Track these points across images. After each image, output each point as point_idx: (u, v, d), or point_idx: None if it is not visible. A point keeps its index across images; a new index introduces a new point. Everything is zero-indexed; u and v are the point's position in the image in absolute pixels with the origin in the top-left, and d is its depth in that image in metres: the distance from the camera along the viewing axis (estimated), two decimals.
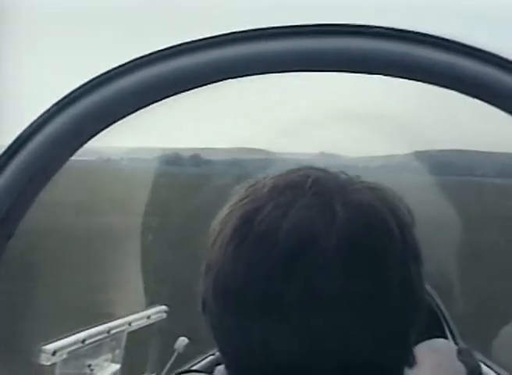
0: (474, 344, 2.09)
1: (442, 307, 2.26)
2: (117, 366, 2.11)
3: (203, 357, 2.18)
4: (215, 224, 0.67)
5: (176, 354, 2.24)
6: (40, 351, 1.77)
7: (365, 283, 0.61)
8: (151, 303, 2.55)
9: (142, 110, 0.79)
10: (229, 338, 0.66)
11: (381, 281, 0.62)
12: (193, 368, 2.04)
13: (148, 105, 0.79)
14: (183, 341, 2.20)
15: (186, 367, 2.06)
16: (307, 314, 0.61)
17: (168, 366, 2.21)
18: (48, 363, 1.76)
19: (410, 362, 0.66)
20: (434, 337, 2.05)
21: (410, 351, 0.66)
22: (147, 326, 2.40)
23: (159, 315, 2.36)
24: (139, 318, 2.25)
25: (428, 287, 2.27)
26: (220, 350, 0.68)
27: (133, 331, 2.31)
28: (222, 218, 0.67)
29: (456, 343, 2.13)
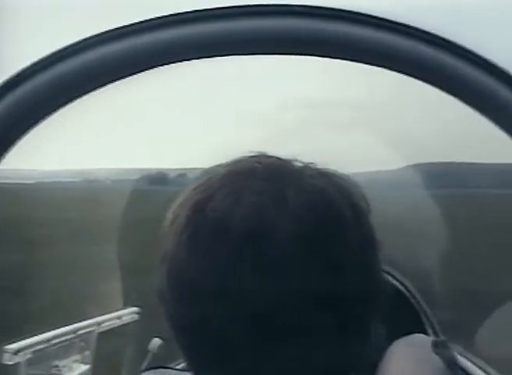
0: (457, 339, 2.07)
1: (423, 302, 2.23)
2: (86, 367, 2.05)
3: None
4: (170, 213, 0.66)
5: (150, 355, 2.19)
6: (2, 350, 1.71)
7: (320, 272, 0.60)
8: (125, 304, 2.50)
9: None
10: (184, 328, 0.64)
11: (335, 267, 0.61)
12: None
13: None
14: (156, 342, 2.15)
15: None
16: (262, 301, 0.60)
17: (142, 367, 2.16)
18: (11, 363, 1.70)
19: (370, 349, 0.67)
20: (412, 333, 2.03)
21: (370, 336, 0.66)
22: (120, 327, 2.35)
23: (131, 316, 2.31)
24: (109, 319, 2.20)
25: (409, 284, 2.26)
26: (176, 340, 0.66)
27: (105, 332, 2.26)
28: (176, 207, 0.66)
29: (439, 336, 2.10)
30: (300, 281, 0.60)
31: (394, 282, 2.25)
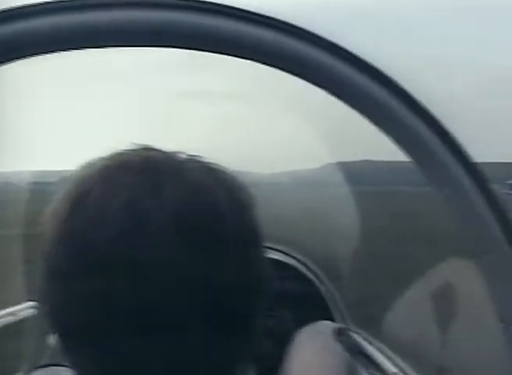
0: (366, 326, 2.08)
1: (332, 290, 2.23)
2: None
3: None
4: (50, 207, 0.65)
5: (48, 352, 2.08)
6: None
7: (195, 268, 0.59)
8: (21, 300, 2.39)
9: None
10: (61, 328, 0.64)
11: (212, 265, 0.60)
12: None
13: None
14: (54, 337, 2.03)
15: None
16: (137, 298, 0.59)
17: (42, 363, 2.05)
18: None
19: (253, 346, 0.66)
20: (320, 319, 2.02)
21: (254, 331, 0.65)
22: (16, 323, 2.24)
23: (26, 311, 2.20)
24: (2, 315, 2.09)
25: (318, 271, 2.26)
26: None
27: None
28: (56, 202, 0.64)
29: (343, 324, 2.11)
30: (175, 276, 0.59)
31: (303, 268, 2.24)
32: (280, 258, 2.24)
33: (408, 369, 1.62)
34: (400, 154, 0.72)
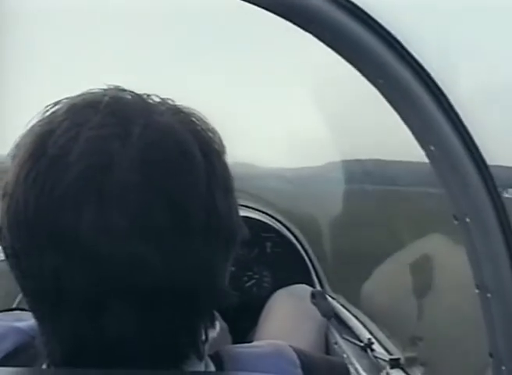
0: (342, 290, 2.09)
1: (311, 253, 2.24)
2: None
3: None
4: (13, 146, 0.62)
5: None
6: None
7: (162, 210, 0.57)
8: None
9: None
10: (21, 269, 0.60)
11: (179, 207, 0.58)
12: None
13: None
14: None
15: None
16: (100, 243, 0.56)
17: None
18: None
19: (217, 292, 0.63)
20: (298, 281, 2.03)
21: (218, 283, 0.63)
22: None
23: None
24: None
25: (298, 232, 2.26)
26: (17, 281, 0.61)
27: None
28: (19, 139, 0.62)
29: (322, 288, 2.13)
30: (141, 219, 0.56)
31: (285, 230, 2.25)
32: (264, 220, 2.24)
33: (382, 336, 1.64)
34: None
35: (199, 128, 0.62)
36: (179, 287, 0.59)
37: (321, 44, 0.68)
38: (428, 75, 0.66)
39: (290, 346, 0.74)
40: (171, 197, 0.57)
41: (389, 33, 0.65)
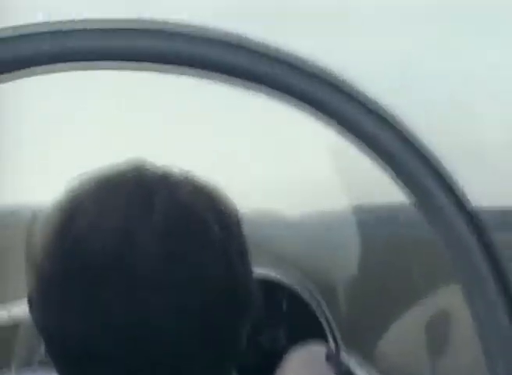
0: (358, 351, 2.07)
1: (327, 312, 2.23)
2: None
3: None
4: (38, 226, 0.66)
5: (41, 356, 2.08)
6: None
7: (182, 282, 0.61)
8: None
9: None
10: (49, 337, 0.65)
11: (198, 280, 0.62)
12: None
13: None
14: None
15: None
16: (127, 314, 0.60)
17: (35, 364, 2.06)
18: None
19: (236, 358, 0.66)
20: (312, 339, 2.02)
21: (238, 347, 0.66)
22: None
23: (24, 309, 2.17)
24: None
25: (316, 293, 2.26)
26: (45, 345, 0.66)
27: None
28: (49, 215, 0.65)
29: (337, 348, 2.11)
30: (163, 295, 0.61)
31: (298, 289, 2.24)
32: (280, 279, 2.24)
33: None
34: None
35: (218, 202, 0.66)
36: (200, 354, 0.62)
37: None
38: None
39: None
40: (190, 270, 0.61)
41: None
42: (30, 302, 0.65)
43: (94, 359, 0.61)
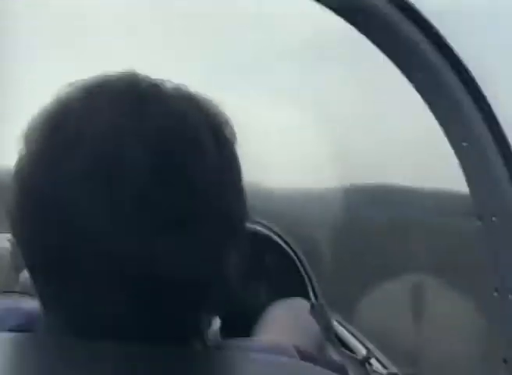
0: (337, 308, 2.08)
1: (309, 268, 2.23)
2: None
3: None
4: (26, 125, 0.63)
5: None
6: None
7: (172, 194, 0.58)
8: None
9: None
10: (29, 246, 0.62)
11: (190, 192, 0.59)
12: None
13: None
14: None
15: None
16: (109, 224, 0.57)
17: None
18: None
19: (223, 284, 0.64)
20: (294, 295, 2.02)
21: (228, 270, 0.64)
22: None
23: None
24: None
25: (299, 251, 2.26)
26: (24, 259, 0.63)
27: None
28: (32, 120, 0.63)
29: (319, 302, 2.11)
30: (150, 205, 0.57)
31: (282, 243, 2.24)
32: (264, 231, 2.23)
33: (378, 352, 1.62)
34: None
35: (212, 116, 0.63)
36: (188, 273, 0.59)
37: None
38: (466, 70, 0.66)
39: (293, 345, 0.73)
40: (182, 181, 0.58)
41: (430, 25, 0.65)
42: (11, 214, 0.61)
43: (73, 272, 0.58)
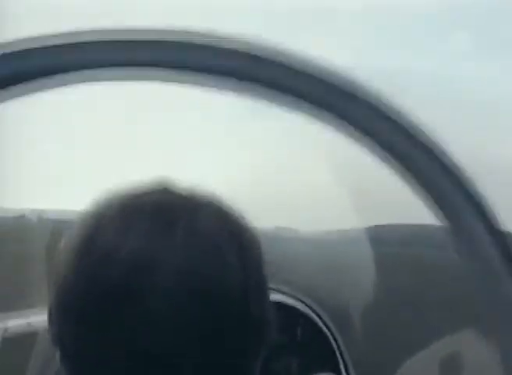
0: None
1: (340, 341, 2.23)
2: None
3: None
4: (63, 241, 0.68)
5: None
6: None
7: (199, 309, 0.62)
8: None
9: None
10: (65, 351, 0.66)
11: (216, 308, 0.63)
12: None
13: None
14: None
15: None
16: (142, 335, 0.61)
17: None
18: None
19: None
20: (324, 372, 2.02)
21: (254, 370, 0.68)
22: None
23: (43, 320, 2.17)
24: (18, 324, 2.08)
25: (330, 323, 2.26)
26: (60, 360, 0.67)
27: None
28: (71, 237, 0.67)
29: None
30: (178, 321, 0.62)
31: (313, 316, 2.24)
32: (297, 306, 2.25)
33: None
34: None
35: (241, 234, 0.67)
36: None
37: None
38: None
39: None
40: (207, 297, 0.62)
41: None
42: (50, 314, 0.67)
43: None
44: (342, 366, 2.17)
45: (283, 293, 2.28)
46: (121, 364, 0.62)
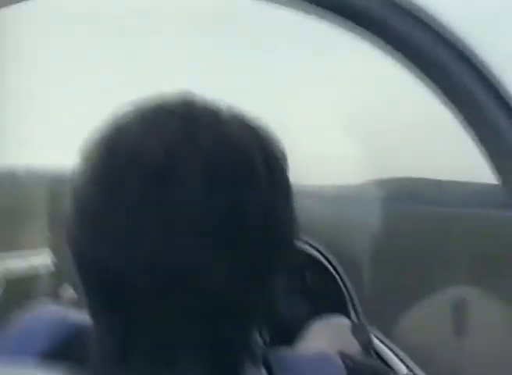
0: (377, 325, 2.07)
1: (349, 285, 2.22)
2: None
3: None
4: (84, 146, 0.64)
5: (61, 302, 2.09)
6: None
7: (223, 218, 0.59)
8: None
9: None
10: (84, 266, 0.63)
11: (240, 217, 0.60)
12: None
13: None
14: (67, 288, 2.04)
15: None
16: (163, 249, 0.58)
17: None
18: None
19: (270, 303, 0.65)
20: (334, 311, 2.02)
21: (270, 290, 0.64)
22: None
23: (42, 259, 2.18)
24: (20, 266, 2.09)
25: (340, 268, 2.26)
26: (80, 281, 0.64)
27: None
28: (92, 141, 0.64)
29: (360, 321, 2.10)
30: (201, 226, 0.58)
31: (322, 259, 2.24)
32: (307, 250, 2.24)
33: (419, 372, 1.61)
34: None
35: (265, 142, 0.64)
36: (237, 294, 0.60)
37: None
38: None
39: (338, 352, 0.74)
40: (232, 205, 0.59)
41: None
42: (68, 230, 0.63)
43: (126, 292, 0.59)
44: (351, 309, 2.17)
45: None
46: (141, 276, 0.58)
